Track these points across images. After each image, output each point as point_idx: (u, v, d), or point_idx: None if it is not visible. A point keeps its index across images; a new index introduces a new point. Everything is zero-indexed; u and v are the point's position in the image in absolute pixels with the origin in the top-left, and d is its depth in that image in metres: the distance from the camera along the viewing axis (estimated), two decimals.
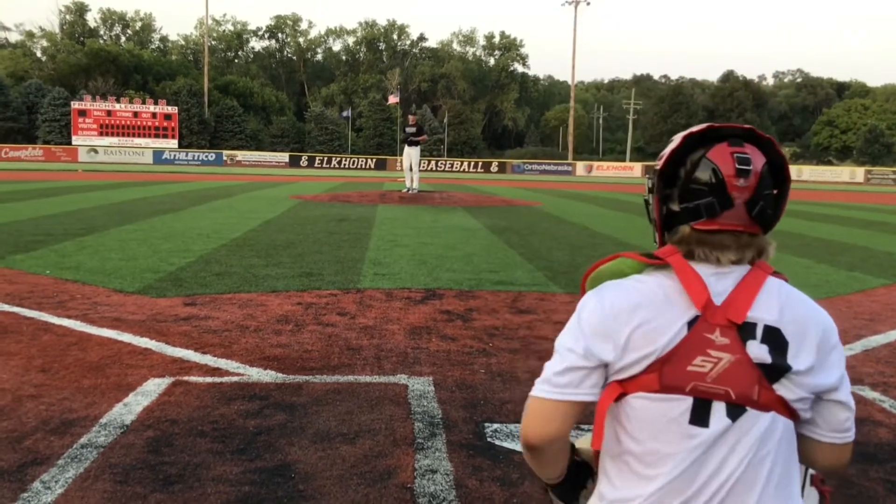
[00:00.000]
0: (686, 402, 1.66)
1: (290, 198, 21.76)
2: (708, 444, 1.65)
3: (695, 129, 1.81)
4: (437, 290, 7.11)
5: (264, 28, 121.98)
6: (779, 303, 1.74)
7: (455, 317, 5.99)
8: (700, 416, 1.65)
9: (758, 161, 1.77)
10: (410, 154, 22.59)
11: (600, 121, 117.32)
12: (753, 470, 1.64)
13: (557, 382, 1.73)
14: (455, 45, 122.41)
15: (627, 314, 1.70)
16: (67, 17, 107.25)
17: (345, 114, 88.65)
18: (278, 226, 13.10)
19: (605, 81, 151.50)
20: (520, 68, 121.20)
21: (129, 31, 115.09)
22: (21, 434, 3.33)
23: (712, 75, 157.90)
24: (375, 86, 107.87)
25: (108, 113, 74.80)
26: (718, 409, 1.65)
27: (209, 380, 4.19)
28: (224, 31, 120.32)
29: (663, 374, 1.66)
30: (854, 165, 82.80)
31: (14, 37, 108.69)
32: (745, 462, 1.64)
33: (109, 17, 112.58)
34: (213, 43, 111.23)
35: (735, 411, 1.65)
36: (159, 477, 2.92)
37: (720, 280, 1.74)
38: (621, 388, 1.70)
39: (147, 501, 2.72)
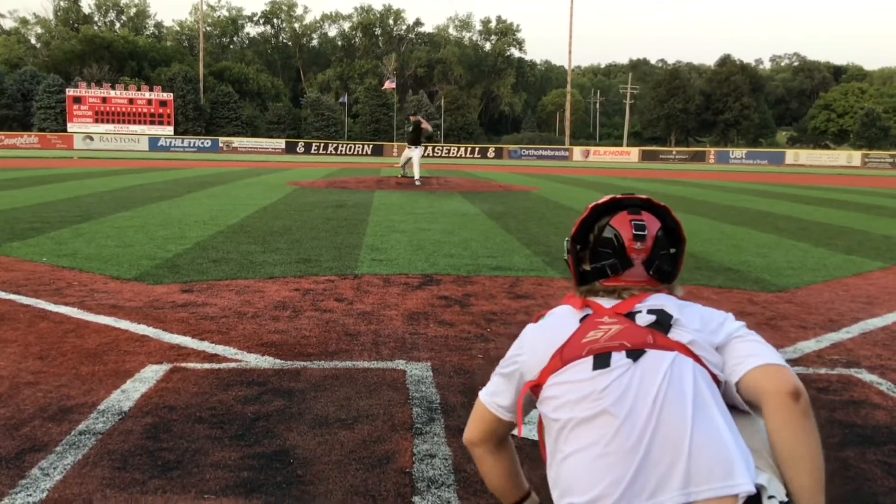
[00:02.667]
0: (586, 361, 1.94)
1: (287, 184, 21.73)
2: (615, 377, 1.89)
3: (600, 201, 2.21)
4: (435, 276, 7.11)
5: (259, 13, 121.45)
6: (665, 301, 2.06)
7: (453, 302, 5.99)
8: (601, 363, 1.93)
9: (653, 226, 2.14)
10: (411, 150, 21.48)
11: (597, 106, 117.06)
12: (676, 389, 1.84)
13: (492, 383, 2.20)
14: (451, 30, 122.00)
15: (535, 334, 2.14)
16: (62, 3, 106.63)
17: (341, 100, 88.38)
18: (275, 212, 13.08)
19: (602, 66, 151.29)
20: (516, 53, 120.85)
21: (123, 18, 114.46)
22: (19, 421, 3.33)
23: (709, 59, 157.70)
24: (371, 71, 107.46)
25: (104, 100, 74.51)
26: (618, 355, 1.92)
27: (207, 366, 4.18)
28: (219, 16, 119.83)
29: (563, 354, 1.99)
30: (851, 149, 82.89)
31: (8, 24, 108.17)
32: (665, 384, 1.84)
33: (104, 4, 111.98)
34: (208, 29, 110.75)
35: (634, 354, 1.92)
36: (158, 463, 2.92)
37: (615, 300, 2.09)
38: (536, 381, 2.03)
39: (146, 487, 2.72)
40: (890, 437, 3.40)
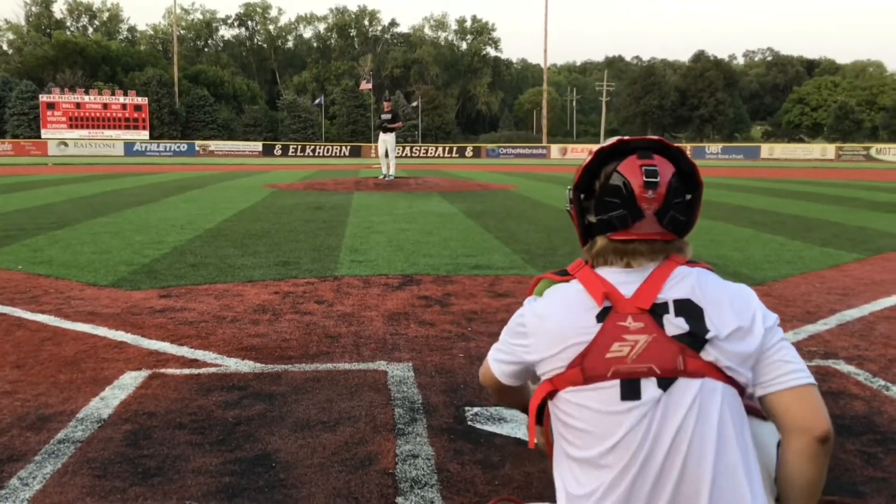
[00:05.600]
0: (613, 385, 1.77)
1: (265, 187, 21.64)
2: (643, 413, 1.74)
3: (606, 143, 1.95)
4: (415, 276, 7.11)
5: (233, 16, 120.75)
6: (687, 283, 1.86)
7: (433, 302, 5.99)
8: (631, 392, 1.76)
9: (666, 172, 1.89)
10: (386, 140, 21.92)
11: (573, 103, 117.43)
12: (701, 432, 1.72)
13: (497, 358, 2.07)
14: (427, 30, 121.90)
15: (539, 322, 1.91)
16: (33, 8, 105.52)
17: (317, 101, 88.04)
18: (253, 215, 13.02)
19: (578, 64, 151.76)
20: (492, 52, 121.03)
21: (96, 22, 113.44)
22: None
23: (683, 56, 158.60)
24: (348, 73, 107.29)
25: (77, 105, 73.80)
26: (649, 384, 1.76)
27: (186, 371, 4.16)
28: (193, 19, 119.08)
29: (585, 368, 1.79)
30: (825, 142, 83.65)
31: None
32: (691, 423, 1.72)
33: (76, 8, 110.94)
34: (181, 32, 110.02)
35: (665, 382, 1.75)
36: (138, 470, 2.90)
37: (629, 276, 1.88)
38: (552, 386, 1.86)
39: (126, 495, 2.69)
40: (868, 427, 3.43)
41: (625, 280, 1.88)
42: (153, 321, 5.29)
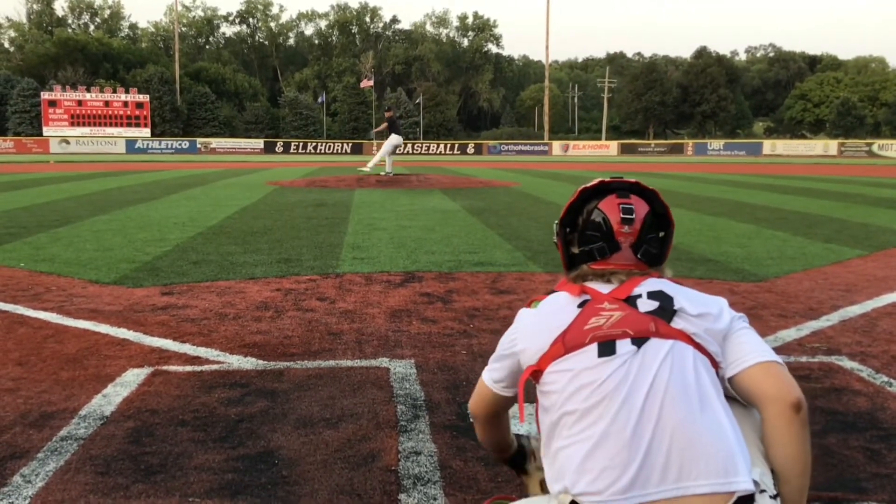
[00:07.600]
0: (591, 349, 1.93)
1: (267, 184, 21.64)
2: (620, 363, 1.88)
3: (588, 184, 2.24)
4: (417, 273, 7.10)
5: (235, 13, 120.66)
6: (661, 284, 2.06)
7: (435, 299, 5.99)
8: (607, 350, 1.92)
9: (641, 210, 2.14)
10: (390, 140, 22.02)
11: (575, 100, 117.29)
12: (678, 379, 1.85)
13: (489, 367, 2.23)
14: (428, 27, 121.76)
15: (531, 319, 2.11)
16: (35, 6, 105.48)
17: (319, 99, 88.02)
18: (255, 212, 13.02)
19: (580, 60, 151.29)
20: (494, 49, 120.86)
21: (97, 20, 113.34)
22: None
23: (685, 52, 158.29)
24: (349, 69, 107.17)
25: (79, 103, 73.90)
26: (623, 343, 1.92)
27: (189, 369, 4.15)
28: (194, 17, 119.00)
29: (566, 341, 1.97)
30: (827, 138, 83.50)
31: None
32: (666, 372, 1.86)
33: (77, 6, 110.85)
34: (183, 29, 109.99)
35: (639, 341, 1.91)
36: (141, 467, 2.90)
37: (608, 285, 2.08)
38: (536, 366, 2.01)
39: (129, 492, 2.69)
40: (872, 423, 3.43)
41: (604, 286, 2.08)
42: (155, 318, 5.29)
